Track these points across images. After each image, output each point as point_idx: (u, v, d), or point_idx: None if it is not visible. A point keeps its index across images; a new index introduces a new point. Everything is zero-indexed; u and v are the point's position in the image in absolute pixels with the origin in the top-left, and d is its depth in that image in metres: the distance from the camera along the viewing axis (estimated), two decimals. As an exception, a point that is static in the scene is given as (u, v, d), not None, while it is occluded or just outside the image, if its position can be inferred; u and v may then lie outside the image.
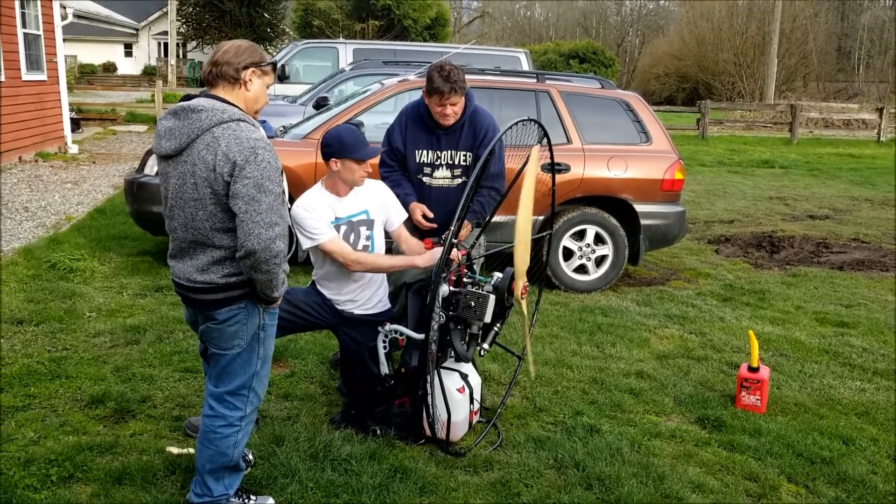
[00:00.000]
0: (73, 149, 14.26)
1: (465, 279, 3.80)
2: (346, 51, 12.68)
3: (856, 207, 12.02)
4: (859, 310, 6.48)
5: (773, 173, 16.20)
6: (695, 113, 22.31)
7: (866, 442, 4.02)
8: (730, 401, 4.44)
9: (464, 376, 3.86)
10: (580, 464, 3.60)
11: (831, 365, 5.16)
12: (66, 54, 42.89)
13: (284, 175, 2.86)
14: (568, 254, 6.81)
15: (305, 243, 3.70)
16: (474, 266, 3.94)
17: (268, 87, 2.92)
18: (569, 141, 6.75)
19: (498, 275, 3.82)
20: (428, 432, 3.75)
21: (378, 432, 3.74)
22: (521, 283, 3.72)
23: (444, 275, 3.63)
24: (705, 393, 4.56)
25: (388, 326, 3.77)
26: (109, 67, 44.55)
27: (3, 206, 9.04)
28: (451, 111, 4.30)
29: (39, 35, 13.26)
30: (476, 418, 3.98)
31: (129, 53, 47.08)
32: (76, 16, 15.04)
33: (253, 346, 2.87)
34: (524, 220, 3.69)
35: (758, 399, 4.31)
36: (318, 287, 3.91)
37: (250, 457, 3.42)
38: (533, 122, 3.97)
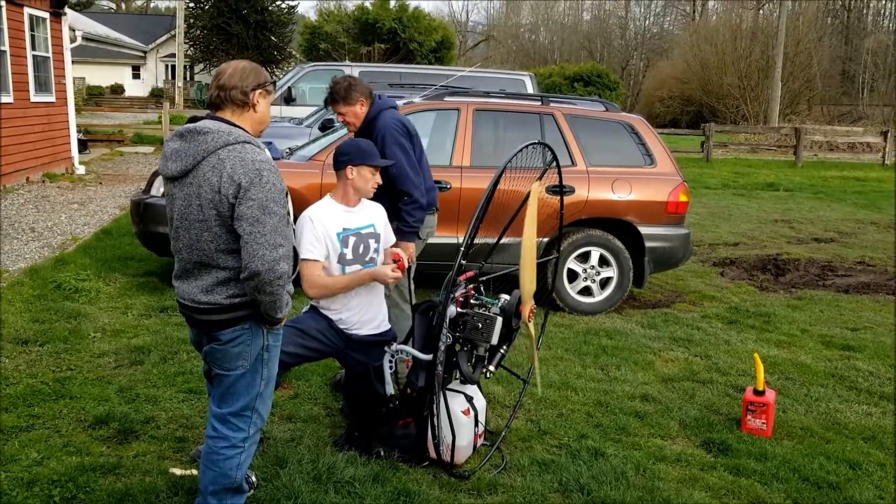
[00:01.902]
0: (80, 170, 14.36)
1: (472, 300, 3.81)
2: (352, 73, 12.75)
3: (861, 230, 12.01)
4: (865, 333, 6.45)
5: (777, 196, 16.20)
6: (699, 136, 22.38)
7: (873, 467, 3.99)
8: (735, 424, 4.41)
9: (469, 398, 3.85)
10: (585, 487, 3.58)
11: (837, 388, 5.13)
12: (75, 76, 43.23)
13: (289, 197, 2.87)
14: (573, 276, 6.81)
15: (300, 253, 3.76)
16: (481, 287, 3.94)
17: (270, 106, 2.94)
18: (573, 163, 6.77)
19: (505, 297, 3.83)
20: (432, 454, 3.73)
21: (382, 454, 3.73)
22: (528, 305, 3.73)
23: (451, 296, 3.64)
24: (711, 416, 4.54)
25: (395, 346, 3.77)
26: (117, 89, 44.91)
27: (10, 226, 9.08)
28: (344, 120, 4.59)
29: (48, 57, 13.39)
30: (481, 441, 3.97)
31: (136, 75, 47.47)
32: (85, 38, 15.20)
33: (257, 367, 2.87)
34: (529, 244, 3.70)
35: (763, 423, 4.29)
36: (323, 311, 3.90)
37: (253, 478, 3.40)
38: (543, 146, 4.00)
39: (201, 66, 40.41)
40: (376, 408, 3.81)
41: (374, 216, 4.01)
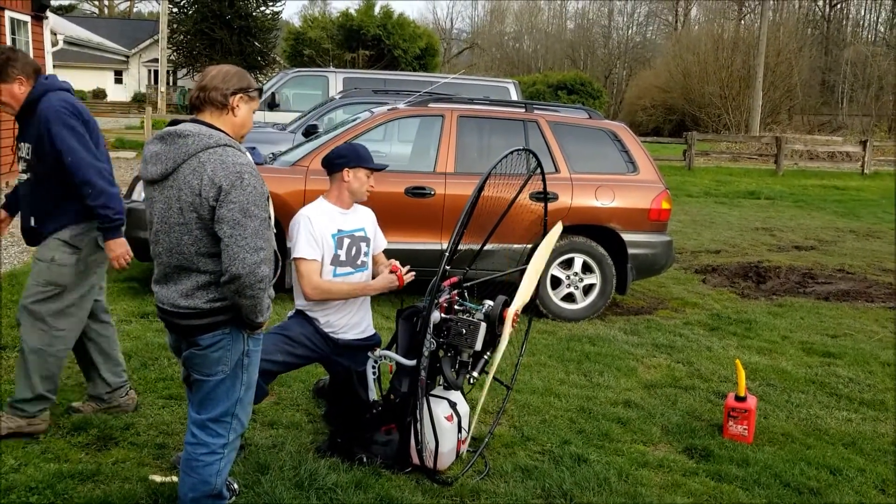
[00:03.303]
0: (61, 174, 14.20)
1: (456, 306, 3.81)
2: (336, 79, 12.76)
3: (841, 239, 12.12)
4: (845, 340, 6.50)
5: (758, 204, 16.33)
6: (681, 144, 22.53)
7: (853, 472, 4.01)
8: (717, 430, 4.43)
9: (452, 404, 3.84)
10: (568, 493, 3.57)
11: (818, 395, 5.17)
12: (56, 80, 42.29)
13: (271, 201, 2.85)
14: (556, 282, 6.82)
15: (291, 252, 3.76)
16: (465, 293, 3.94)
17: (254, 113, 2.93)
18: (557, 170, 6.78)
19: (489, 303, 3.83)
20: (415, 460, 3.72)
21: (364, 460, 3.71)
22: (512, 311, 3.72)
23: (435, 301, 3.64)
24: (693, 422, 4.55)
25: (379, 352, 3.76)
26: (99, 94, 44.62)
27: (-11, 230, 8.98)
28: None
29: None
30: (464, 447, 3.95)
31: (119, 80, 47.18)
32: (67, 42, 15.08)
33: (237, 373, 2.84)
34: (538, 266, 3.76)
35: (745, 429, 4.31)
36: (309, 315, 3.89)
37: (235, 485, 3.37)
38: (527, 153, 4.01)
39: (184, 71, 40.25)
40: (360, 414, 3.79)
41: (365, 220, 4.04)
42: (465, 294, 3.93)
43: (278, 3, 37.17)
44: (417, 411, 3.51)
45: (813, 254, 10.70)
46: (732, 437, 4.33)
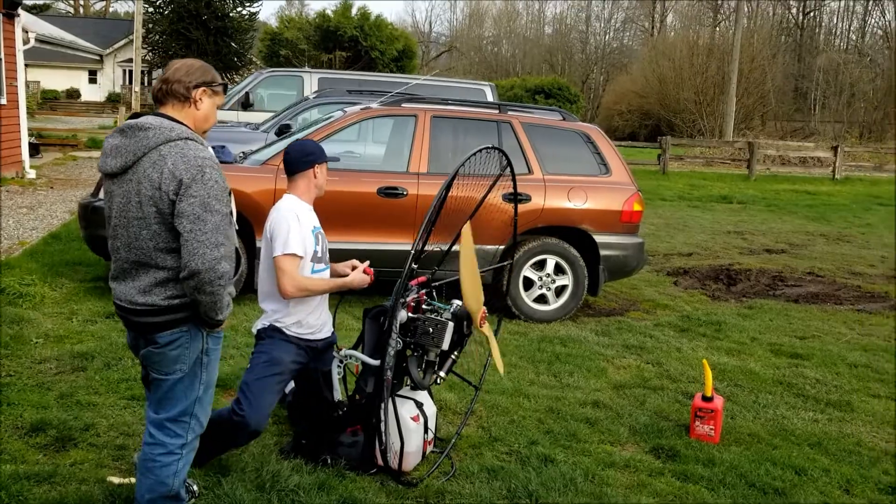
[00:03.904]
0: (31, 174, 14.01)
1: (424, 306, 3.78)
2: (311, 80, 12.69)
3: (811, 242, 12.24)
4: (813, 342, 6.55)
5: (731, 208, 16.46)
6: (656, 149, 22.68)
7: (818, 472, 4.03)
8: (684, 430, 4.44)
9: (419, 405, 3.81)
10: (533, 494, 3.56)
11: (785, 395, 5.20)
12: (29, 80, 42.13)
13: (233, 197, 2.81)
14: (528, 283, 6.81)
15: (275, 249, 3.60)
16: (433, 293, 3.90)
17: (218, 108, 2.89)
18: (530, 171, 6.78)
19: (458, 302, 3.80)
20: (380, 462, 3.68)
21: (329, 462, 3.66)
22: (479, 311, 3.70)
23: (402, 300, 3.61)
24: (660, 422, 4.55)
25: (344, 352, 3.71)
26: (73, 94, 44.10)
27: (-46, 229, 8.82)
28: None
29: (0, 59, 13.07)
30: (430, 448, 3.92)
31: (93, 80, 46.63)
32: (40, 41, 14.88)
33: (195, 371, 2.79)
34: (468, 258, 3.69)
35: (711, 429, 4.32)
36: (285, 322, 3.71)
37: (195, 487, 3.32)
38: (499, 152, 3.99)
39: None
40: (325, 414, 3.75)
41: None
42: (434, 294, 3.90)
43: (255, 4, 36.90)
44: (382, 412, 3.47)
45: (783, 257, 10.80)
46: (699, 438, 4.34)
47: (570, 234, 6.88)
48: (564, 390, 5.02)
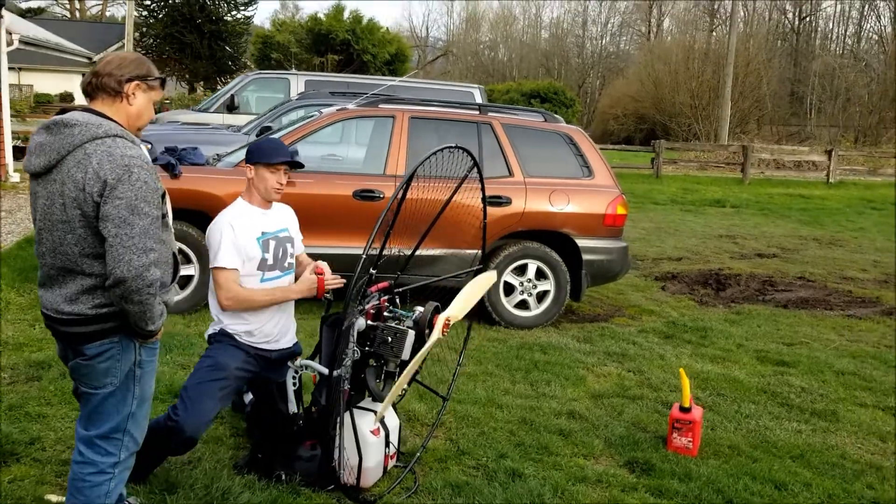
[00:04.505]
0: (15, 177, 13.80)
1: (385, 313, 3.60)
2: (297, 82, 12.53)
3: (803, 247, 12.08)
4: (800, 349, 6.39)
5: (724, 212, 16.30)
6: (650, 152, 22.52)
7: (799, 487, 3.86)
8: (662, 442, 4.27)
9: (381, 417, 3.63)
10: (497, 511, 3.38)
11: (769, 405, 5.02)
12: (22, 83, 41.77)
13: (167, 198, 2.64)
14: (509, 289, 6.64)
15: (210, 261, 3.47)
16: (397, 299, 3.72)
17: (155, 104, 2.71)
18: (510, 174, 6.62)
19: (420, 309, 3.62)
20: (343, 476, 3.51)
21: (283, 477, 3.49)
22: (443, 318, 3.51)
23: (360, 307, 3.43)
24: (637, 434, 4.38)
25: (299, 362, 3.54)
26: (66, 97, 43.80)
27: (-73, 234, 8.63)
28: None
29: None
30: (392, 463, 3.75)
31: (87, 84, 46.37)
32: (25, 42, 14.67)
33: (127, 385, 2.62)
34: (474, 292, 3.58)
35: (689, 441, 4.15)
36: (237, 329, 3.58)
37: (137, 504, 3.14)
38: (464, 152, 3.83)
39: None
40: (280, 428, 3.57)
41: (287, 220, 3.75)
42: (397, 300, 3.72)
43: (250, 8, 36.72)
44: (338, 425, 3.30)
45: (775, 261, 10.64)
46: (676, 450, 4.16)
47: (552, 238, 6.72)
48: (540, 400, 4.84)
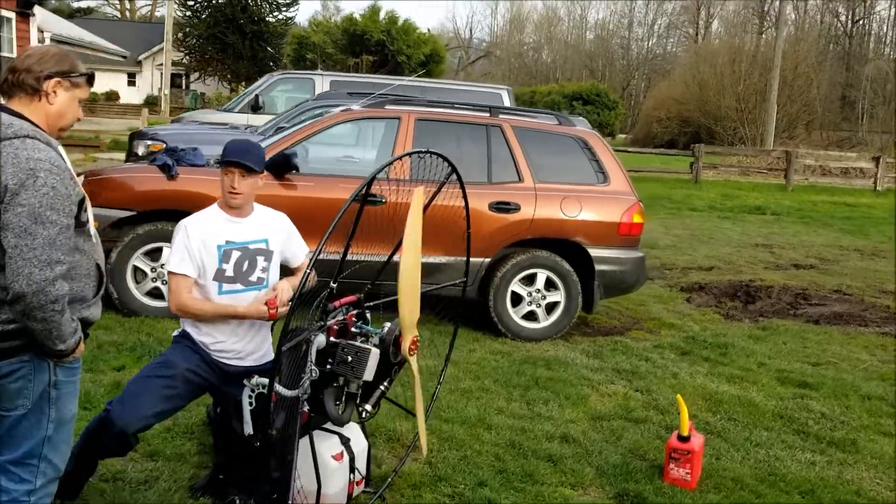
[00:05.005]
0: (45, 175, 13.94)
1: (353, 329, 3.35)
2: (322, 82, 12.37)
3: (844, 257, 11.55)
4: (826, 369, 5.98)
5: (763, 220, 15.76)
6: (689, 157, 21.95)
7: (805, 528, 3.52)
8: (658, 472, 3.94)
9: (345, 441, 3.39)
10: (463, 548, 3.11)
11: (783, 432, 4.66)
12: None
13: (88, 204, 2.43)
14: (517, 299, 6.35)
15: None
16: (367, 314, 3.47)
17: (81, 102, 2.50)
18: (520, 179, 6.34)
19: (389, 325, 3.37)
20: (297, 502, 3.27)
21: (237, 502, 3.26)
22: (409, 336, 3.26)
23: (320, 323, 3.20)
24: (633, 462, 4.07)
25: (255, 380, 3.30)
26: (112, 96, 44.67)
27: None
28: None
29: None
30: (360, 489, 3.50)
31: (132, 83, 47.22)
32: (57, 41, 14.83)
33: (42, 407, 2.41)
34: (409, 266, 3.25)
35: (687, 473, 3.82)
36: (197, 339, 3.41)
37: (74, 530, 2.94)
38: (440, 158, 3.57)
39: (196, 74, 40.14)
40: (237, 449, 3.35)
41: (268, 230, 3.53)
42: (367, 315, 3.46)
43: (292, 9, 36.95)
44: (293, 449, 3.06)
45: (811, 273, 10.15)
46: (674, 482, 3.84)
47: (563, 246, 6.41)
48: (534, 421, 4.55)
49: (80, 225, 2.39)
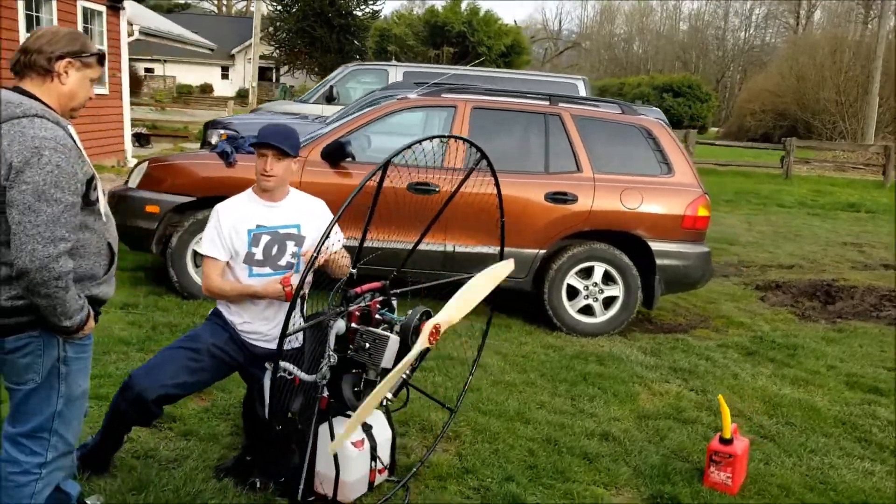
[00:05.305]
0: (133, 163, 14.48)
1: (376, 316, 3.31)
2: (396, 73, 12.40)
3: (940, 259, 10.84)
4: (903, 375, 5.61)
5: (856, 217, 14.96)
6: (780, 150, 21.05)
7: (851, 543, 3.29)
8: (699, 476, 3.76)
9: (366, 428, 3.36)
10: (478, 543, 3.04)
11: (843, 439, 4.38)
12: (167, 74, 44.34)
13: (98, 184, 2.46)
14: (572, 292, 6.20)
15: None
16: (393, 302, 3.42)
17: (93, 82, 2.53)
18: (579, 169, 6.17)
19: (411, 312, 3.30)
20: (319, 489, 3.27)
21: (257, 485, 3.28)
22: (430, 325, 3.18)
23: (340, 309, 3.17)
24: (674, 463, 3.89)
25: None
26: (206, 89, 46.18)
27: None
28: None
29: (103, 49, 13.56)
30: (383, 477, 3.46)
31: (225, 76, 48.73)
32: (145, 34, 15.36)
33: (51, 383, 2.46)
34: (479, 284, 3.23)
35: (728, 477, 3.63)
36: (227, 318, 3.47)
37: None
38: (469, 144, 3.49)
39: (285, 68, 41.02)
40: (260, 432, 3.37)
41: (302, 215, 3.54)
42: (393, 303, 3.42)
43: (378, 2, 37.34)
44: (312, 435, 3.06)
45: (902, 274, 9.57)
46: (714, 486, 3.66)
47: (623, 239, 6.21)
48: (575, 417, 4.42)
49: (90, 204, 2.43)
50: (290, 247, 3.48)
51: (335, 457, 3.17)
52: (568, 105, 6.40)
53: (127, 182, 6.44)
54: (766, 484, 3.75)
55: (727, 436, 3.65)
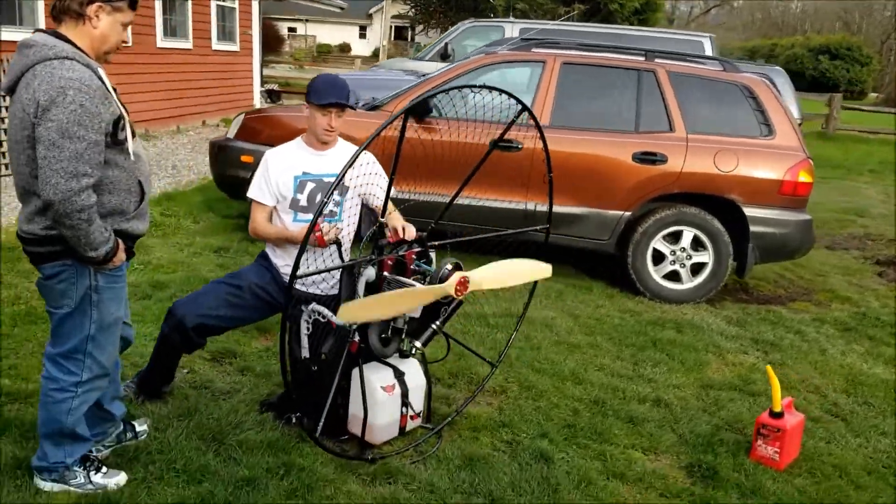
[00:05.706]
0: (261, 118, 15.11)
1: (412, 266, 3.36)
2: (512, 30, 12.23)
3: None
4: None
5: None
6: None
7: (900, 531, 3.07)
8: (746, 449, 3.60)
9: (398, 374, 3.43)
10: (492, 494, 3.05)
11: (924, 425, 4.06)
12: (308, 34, 45.58)
13: (127, 122, 2.60)
14: (658, 257, 6.00)
15: None
16: (431, 254, 3.44)
17: (125, 27, 2.66)
18: (671, 129, 5.93)
19: (448, 267, 3.31)
20: (350, 429, 3.38)
21: (293, 420, 3.42)
22: (458, 276, 3.17)
23: (371, 256, 3.24)
24: (723, 435, 3.74)
25: (313, 306, 3.42)
26: (344, 48, 47.29)
27: (157, 163, 9.68)
28: None
29: (234, 8, 14.14)
30: (416, 423, 3.52)
31: (363, 35, 49.66)
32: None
33: (84, 309, 2.66)
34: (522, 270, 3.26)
35: (776, 452, 3.45)
36: (273, 260, 3.62)
37: (142, 427, 3.22)
38: (508, 96, 3.43)
39: (420, 27, 41.25)
40: (299, 373, 3.50)
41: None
42: (430, 254, 3.43)
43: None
44: (335, 374, 3.16)
45: None
46: (760, 460, 3.49)
47: (715, 204, 5.93)
48: (632, 381, 4.31)
49: (119, 143, 2.58)
50: (334, 195, 3.56)
51: (364, 399, 3.25)
52: (664, 61, 6.13)
53: (227, 133, 6.75)
54: (820, 463, 3.54)
55: (777, 409, 3.47)
